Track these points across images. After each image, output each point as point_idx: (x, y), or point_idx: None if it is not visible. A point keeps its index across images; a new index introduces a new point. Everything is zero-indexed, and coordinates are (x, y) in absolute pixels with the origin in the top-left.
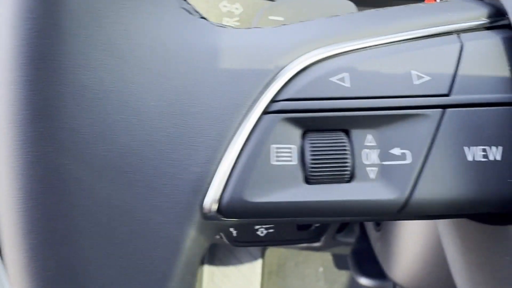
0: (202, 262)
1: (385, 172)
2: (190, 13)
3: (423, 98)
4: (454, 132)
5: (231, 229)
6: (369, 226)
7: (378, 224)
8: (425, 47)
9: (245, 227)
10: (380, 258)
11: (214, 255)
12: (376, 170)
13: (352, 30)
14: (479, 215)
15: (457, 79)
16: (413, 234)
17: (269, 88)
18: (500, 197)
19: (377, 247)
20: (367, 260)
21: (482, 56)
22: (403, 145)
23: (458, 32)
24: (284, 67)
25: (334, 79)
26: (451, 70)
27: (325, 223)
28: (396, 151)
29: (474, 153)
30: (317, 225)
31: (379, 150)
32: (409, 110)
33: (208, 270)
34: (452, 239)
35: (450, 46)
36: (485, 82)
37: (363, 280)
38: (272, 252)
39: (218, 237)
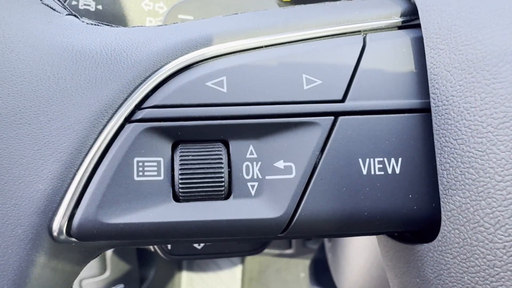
0: (181, 267)
1: (267, 188)
2: (53, 9)
3: (312, 104)
4: (347, 143)
5: None
6: None
7: None
8: (323, 48)
9: None
10: (331, 268)
11: (194, 261)
12: (256, 185)
13: (242, 30)
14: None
15: (354, 83)
16: (358, 247)
17: (135, 93)
18: (400, 215)
19: (329, 257)
20: (324, 270)
21: (386, 58)
22: (288, 158)
23: (365, 31)
24: (156, 70)
25: (210, 83)
26: (348, 74)
27: None
28: (280, 164)
29: (370, 166)
30: None
31: (261, 163)
32: (296, 118)
33: (187, 277)
34: (382, 255)
35: (351, 47)
36: (387, 87)
37: None
38: (253, 258)
39: (152, 249)
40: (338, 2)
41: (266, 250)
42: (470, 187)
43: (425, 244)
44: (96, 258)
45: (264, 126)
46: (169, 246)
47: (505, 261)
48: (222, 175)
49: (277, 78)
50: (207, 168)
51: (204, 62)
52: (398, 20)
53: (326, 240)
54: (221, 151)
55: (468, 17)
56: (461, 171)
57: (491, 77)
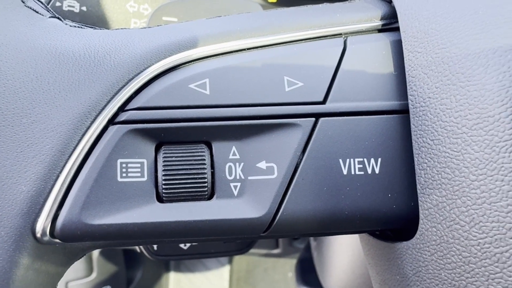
0: (168, 268)
1: (249, 188)
2: (36, 12)
3: (293, 106)
4: (328, 143)
5: None
6: None
7: None
8: (304, 50)
9: None
10: (317, 267)
11: (181, 262)
12: (239, 185)
13: (225, 32)
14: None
15: (335, 85)
16: (342, 245)
17: (118, 95)
18: (380, 214)
19: (314, 256)
20: (311, 270)
21: (366, 60)
22: (270, 158)
23: (346, 34)
24: (139, 72)
25: (193, 85)
26: (329, 76)
27: None
28: (262, 164)
29: (351, 166)
30: None
31: (243, 164)
32: (277, 120)
33: (174, 278)
34: (364, 254)
35: (332, 49)
36: (367, 89)
37: None
38: (241, 258)
39: (138, 250)
40: (320, 5)
41: (253, 250)
42: (446, 186)
43: (404, 242)
44: (82, 260)
45: (246, 127)
46: (155, 247)
47: (479, 257)
48: (205, 176)
49: (259, 80)
50: (190, 169)
51: (187, 64)
52: (378, 23)
53: (311, 239)
54: (204, 152)
55: (444, 22)
56: (437, 171)
57: (465, 79)
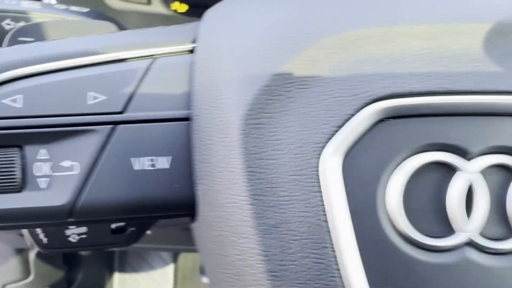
0: (112, 268)
1: (55, 182)
2: None
3: (94, 116)
4: (123, 146)
5: (41, 236)
6: None
7: None
8: (111, 69)
9: (55, 233)
10: None
11: (125, 261)
12: (47, 180)
13: (45, 55)
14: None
15: (135, 98)
16: None
17: None
18: (169, 201)
19: None
20: None
21: (167, 78)
22: (73, 158)
23: (156, 55)
24: None
25: (6, 101)
26: (129, 91)
27: (145, 225)
28: (66, 163)
29: (142, 163)
30: (132, 228)
31: (51, 163)
32: (79, 127)
33: (118, 278)
34: None
35: (137, 68)
36: (164, 101)
37: (205, 279)
38: (186, 257)
39: (29, 244)
40: (149, 29)
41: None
42: (209, 177)
43: (193, 224)
44: (18, 262)
45: (53, 133)
46: (44, 240)
47: (233, 231)
48: (14, 172)
49: (65, 95)
50: (2, 168)
51: (6, 83)
52: (189, 46)
53: None
54: (15, 154)
55: (218, 51)
56: (204, 166)
57: (221, 96)
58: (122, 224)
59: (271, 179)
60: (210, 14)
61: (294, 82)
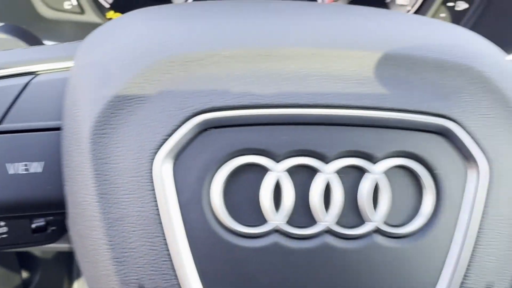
0: (71, 270)
1: None
2: None
3: None
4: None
5: None
6: None
7: None
8: None
9: None
10: None
11: None
12: None
13: None
14: None
15: (12, 110)
16: None
17: None
18: (42, 201)
19: None
20: None
21: (45, 93)
22: None
23: (37, 72)
24: None
25: None
26: (6, 104)
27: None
28: None
29: (16, 168)
30: (53, 228)
31: None
32: None
33: (78, 279)
34: None
35: (16, 84)
36: (40, 112)
37: None
38: None
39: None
40: (37, 47)
41: None
42: (70, 179)
43: (67, 221)
44: None
45: None
46: None
47: (87, 225)
48: None
49: None
50: None
51: None
52: (70, 63)
53: None
54: None
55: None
56: (67, 170)
57: (77, 109)
58: (42, 223)
59: (114, 180)
60: (94, 32)
61: (133, 99)
